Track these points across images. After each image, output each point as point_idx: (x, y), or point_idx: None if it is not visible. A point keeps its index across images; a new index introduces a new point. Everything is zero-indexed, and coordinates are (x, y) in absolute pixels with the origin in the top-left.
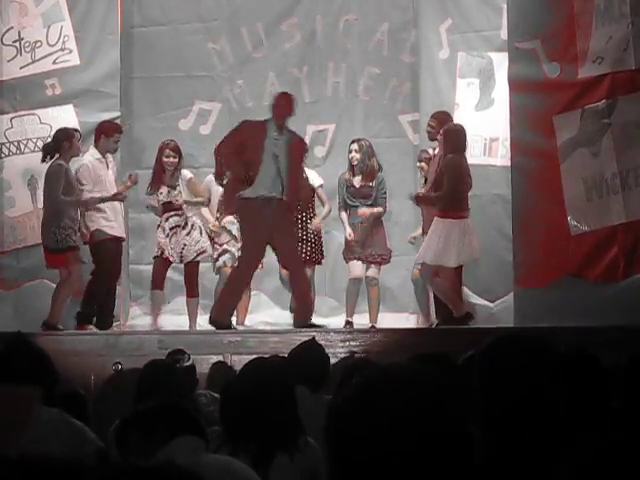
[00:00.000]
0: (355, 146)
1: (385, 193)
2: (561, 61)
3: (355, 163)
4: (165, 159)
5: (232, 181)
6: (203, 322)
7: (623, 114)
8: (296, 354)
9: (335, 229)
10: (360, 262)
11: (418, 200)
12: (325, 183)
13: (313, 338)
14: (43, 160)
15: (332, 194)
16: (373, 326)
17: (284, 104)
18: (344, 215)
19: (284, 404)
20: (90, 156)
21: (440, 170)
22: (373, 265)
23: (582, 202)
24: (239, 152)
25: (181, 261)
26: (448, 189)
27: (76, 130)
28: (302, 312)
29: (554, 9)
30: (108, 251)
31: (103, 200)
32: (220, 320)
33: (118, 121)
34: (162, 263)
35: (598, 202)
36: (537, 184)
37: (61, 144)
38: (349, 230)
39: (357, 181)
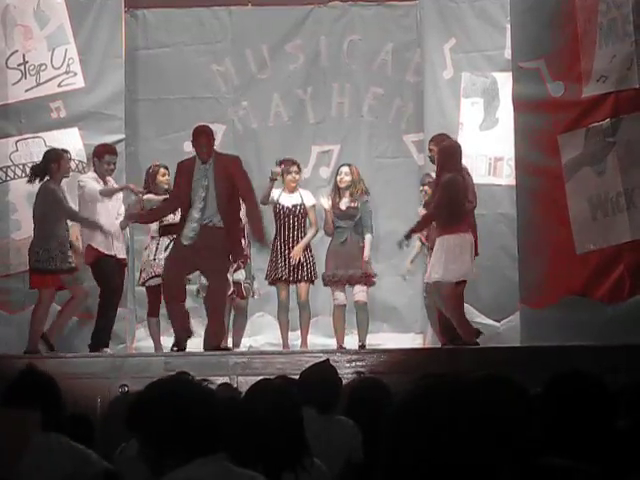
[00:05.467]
0: (346, 169)
1: (371, 217)
2: (565, 80)
3: (343, 185)
4: (161, 178)
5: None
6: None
7: (627, 133)
8: (309, 375)
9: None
10: (342, 291)
11: (413, 232)
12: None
13: (327, 360)
14: (30, 181)
15: None
16: (363, 345)
17: (200, 139)
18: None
19: (290, 425)
20: (87, 177)
21: (436, 188)
22: (358, 287)
23: (587, 221)
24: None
25: None
26: (435, 206)
27: (65, 151)
28: (213, 335)
29: (558, 29)
30: (106, 268)
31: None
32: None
33: (123, 144)
34: (158, 290)
35: (603, 221)
36: (542, 203)
37: (49, 166)
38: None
39: (344, 203)
